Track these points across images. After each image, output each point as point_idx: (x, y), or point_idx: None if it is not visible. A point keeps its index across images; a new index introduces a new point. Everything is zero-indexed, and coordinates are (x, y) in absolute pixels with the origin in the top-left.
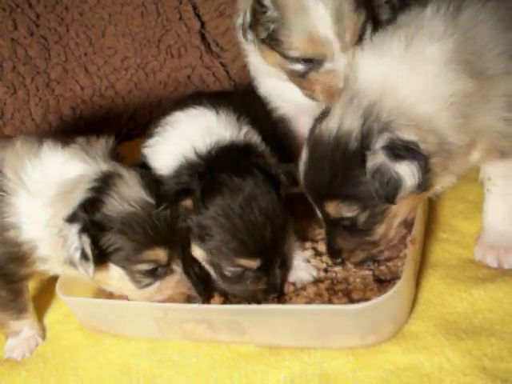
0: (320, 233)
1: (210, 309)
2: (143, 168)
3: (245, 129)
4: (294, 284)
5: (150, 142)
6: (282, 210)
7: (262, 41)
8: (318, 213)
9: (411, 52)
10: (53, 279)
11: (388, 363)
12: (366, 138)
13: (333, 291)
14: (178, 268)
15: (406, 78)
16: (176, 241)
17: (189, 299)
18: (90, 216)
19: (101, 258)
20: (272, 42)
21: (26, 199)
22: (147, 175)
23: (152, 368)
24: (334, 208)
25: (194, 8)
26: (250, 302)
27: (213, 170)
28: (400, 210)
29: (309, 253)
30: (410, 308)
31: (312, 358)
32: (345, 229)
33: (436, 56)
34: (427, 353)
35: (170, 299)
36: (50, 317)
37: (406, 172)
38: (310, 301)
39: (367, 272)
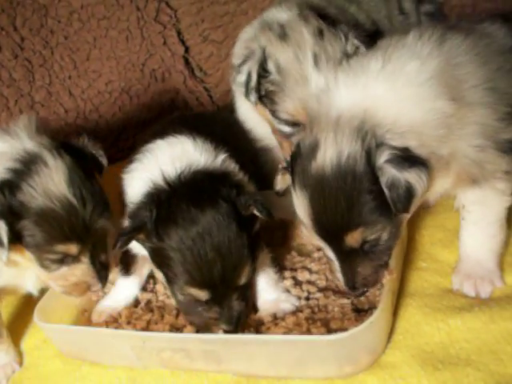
0: (300, 261)
1: (187, 338)
2: (74, 148)
3: (221, 156)
4: (273, 314)
5: (129, 167)
6: (241, 246)
7: (258, 97)
8: (329, 251)
9: (389, 68)
10: (30, 304)
11: None
12: (370, 157)
13: (312, 320)
14: (85, 259)
15: (386, 90)
16: (89, 237)
17: (89, 287)
18: (8, 200)
19: (13, 238)
20: (267, 100)
21: None
22: (74, 166)
23: None
24: (357, 237)
25: (179, 33)
26: (204, 332)
27: (173, 198)
28: (407, 217)
29: (288, 282)
30: (387, 338)
31: None
32: (364, 254)
33: (416, 72)
34: (404, 383)
35: (75, 285)
36: (28, 342)
37: (415, 178)
38: (289, 331)
39: (345, 301)
